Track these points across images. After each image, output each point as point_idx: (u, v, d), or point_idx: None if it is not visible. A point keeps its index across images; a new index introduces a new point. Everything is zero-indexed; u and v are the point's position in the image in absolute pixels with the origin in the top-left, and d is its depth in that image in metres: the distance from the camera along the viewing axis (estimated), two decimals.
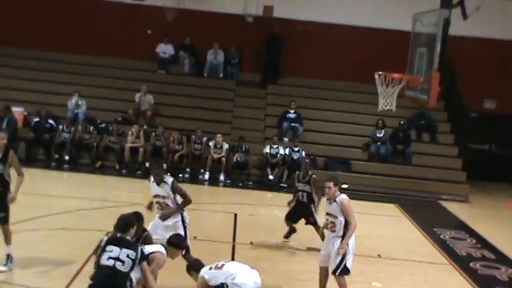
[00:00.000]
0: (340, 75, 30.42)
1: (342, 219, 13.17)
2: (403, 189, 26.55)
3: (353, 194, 25.46)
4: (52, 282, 13.51)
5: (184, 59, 31.24)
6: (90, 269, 14.59)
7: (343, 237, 13.05)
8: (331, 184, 13.38)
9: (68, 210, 19.43)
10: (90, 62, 30.65)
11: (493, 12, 26.72)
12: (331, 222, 13.40)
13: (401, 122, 28.36)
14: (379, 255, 17.63)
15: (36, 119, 27.00)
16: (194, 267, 11.14)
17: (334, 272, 13.14)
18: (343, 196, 13.40)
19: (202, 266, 10.95)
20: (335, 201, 13.29)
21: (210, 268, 11.03)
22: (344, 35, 30.88)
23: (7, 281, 13.34)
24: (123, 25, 30.89)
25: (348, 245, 13.09)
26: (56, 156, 26.49)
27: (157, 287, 10.02)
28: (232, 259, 16.07)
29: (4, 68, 29.87)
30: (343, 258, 13.02)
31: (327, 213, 13.51)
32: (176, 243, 10.85)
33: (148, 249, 10.22)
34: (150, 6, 30.91)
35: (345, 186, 26.39)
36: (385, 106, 20.42)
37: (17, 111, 26.77)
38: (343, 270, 13.02)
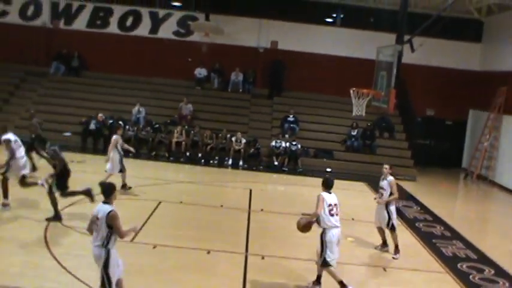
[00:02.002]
0: (326, 90, 30.40)
1: (388, 192, 14.13)
2: (370, 171, 26.52)
3: (335, 175, 25.83)
4: None
5: (214, 79, 31.40)
6: (149, 224, 14.88)
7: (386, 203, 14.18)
8: (388, 167, 14.45)
9: (132, 185, 19.62)
10: (148, 81, 30.81)
11: (432, 47, 26.68)
12: (381, 193, 14.32)
13: (369, 124, 28.41)
14: (352, 219, 17.72)
15: (111, 121, 27.16)
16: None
17: (387, 226, 14.25)
18: (392, 177, 14.32)
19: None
20: (386, 179, 14.19)
21: None
22: (328, 62, 30.86)
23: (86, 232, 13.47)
24: (171, 55, 30.98)
25: (391, 211, 14.21)
26: None
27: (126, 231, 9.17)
28: (248, 223, 16.29)
29: (91, 86, 30.25)
30: (390, 218, 14.16)
31: (380, 187, 14.46)
32: (110, 189, 9.22)
33: (105, 211, 8.94)
34: (190, 41, 31.15)
35: (328, 169, 26.66)
36: (358, 112, 20.60)
37: (99, 115, 26.99)
38: (393, 226, 14.18)
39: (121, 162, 18.75)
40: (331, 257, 11.18)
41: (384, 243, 14.67)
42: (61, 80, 30.82)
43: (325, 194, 11.27)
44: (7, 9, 31.45)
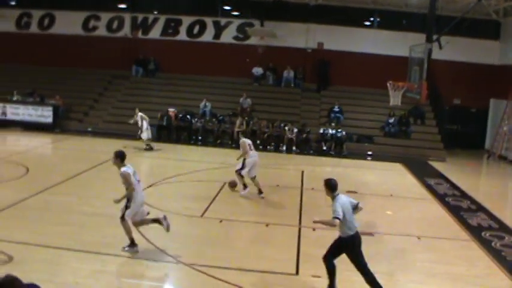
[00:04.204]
0: (366, 84, 29.92)
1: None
2: (405, 153, 26.30)
3: (374, 157, 25.76)
4: (194, 210, 14.04)
5: (269, 76, 31.31)
6: (216, 202, 15.05)
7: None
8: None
9: (200, 169, 19.86)
10: (213, 80, 30.94)
11: (457, 45, 26.23)
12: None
13: (404, 113, 28.05)
14: (391, 195, 17.62)
15: (181, 115, 27.58)
16: None
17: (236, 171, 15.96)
18: (243, 139, 16.45)
19: None
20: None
21: None
22: (368, 59, 30.28)
23: (163, 209, 13.73)
24: (232, 57, 31.09)
25: (245, 163, 15.76)
26: (193, 137, 26.94)
27: None
28: (301, 200, 16.32)
29: (165, 85, 30.66)
30: (242, 168, 15.79)
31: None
32: None
33: None
34: (248, 44, 31.18)
35: (370, 152, 26.49)
36: (394, 102, 20.55)
37: (171, 110, 27.40)
38: (240, 174, 15.88)
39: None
40: (129, 215, 10.53)
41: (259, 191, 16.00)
42: (140, 81, 31.39)
43: (126, 169, 10.50)
44: (97, 25, 32.25)
